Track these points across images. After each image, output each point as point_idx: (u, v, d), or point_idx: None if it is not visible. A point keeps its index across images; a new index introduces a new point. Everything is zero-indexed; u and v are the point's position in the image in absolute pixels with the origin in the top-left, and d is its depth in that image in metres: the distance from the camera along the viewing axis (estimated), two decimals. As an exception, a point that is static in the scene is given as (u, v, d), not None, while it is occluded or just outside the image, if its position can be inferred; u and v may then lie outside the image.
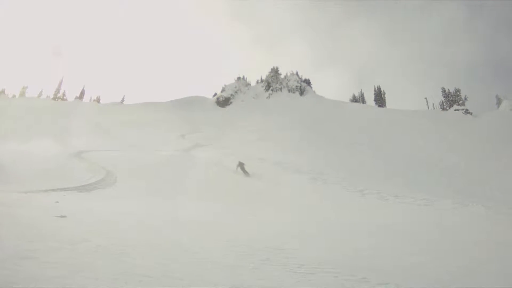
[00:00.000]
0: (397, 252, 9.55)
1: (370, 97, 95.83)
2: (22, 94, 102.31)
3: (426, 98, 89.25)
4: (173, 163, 32.73)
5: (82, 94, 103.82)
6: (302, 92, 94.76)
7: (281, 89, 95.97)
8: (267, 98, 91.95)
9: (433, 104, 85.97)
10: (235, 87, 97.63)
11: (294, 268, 7.73)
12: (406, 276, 7.27)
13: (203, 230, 12.52)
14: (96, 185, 23.89)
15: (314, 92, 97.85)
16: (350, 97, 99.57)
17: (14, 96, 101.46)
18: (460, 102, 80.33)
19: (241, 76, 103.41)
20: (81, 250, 8.14)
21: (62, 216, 12.22)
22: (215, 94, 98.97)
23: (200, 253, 9.08)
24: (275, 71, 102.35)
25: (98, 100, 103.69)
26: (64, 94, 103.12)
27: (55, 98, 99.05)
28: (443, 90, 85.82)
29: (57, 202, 16.17)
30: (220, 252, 9.28)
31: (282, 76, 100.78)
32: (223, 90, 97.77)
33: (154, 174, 27.75)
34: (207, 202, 20.90)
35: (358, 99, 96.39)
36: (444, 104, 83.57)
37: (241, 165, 30.95)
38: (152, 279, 6.67)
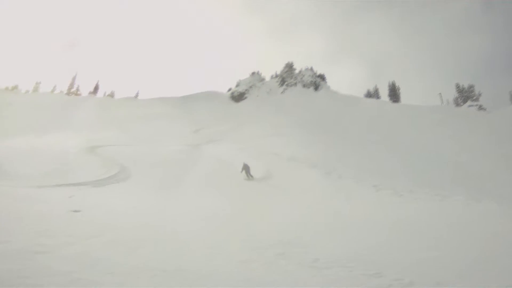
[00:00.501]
0: (411, 247, 9.52)
1: (384, 92, 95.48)
2: (36, 89, 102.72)
3: (440, 93, 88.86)
4: (186, 158, 32.79)
5: (96, 89, 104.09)
6: (316, 87, 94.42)
7: (295, 84, 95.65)
8: (281, 93, 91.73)
9: (447, 100, 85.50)
10: (250, 82, 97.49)
11: (309, 263, 7.75)
12: (420, 271, 7.26)
13: (217, 225, 12.65)
14: (110, 179, 24.01)
15: (329, 87, 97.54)
16: (364, 92, 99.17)
17: (27, 91, 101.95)
18: (474, 98, 79.85)
19: (256, 71, 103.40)
20: (95, 245, 8.22)
21: (76, 211, 12.32)
22: (230, 89, 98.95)
23: (213, 248, 9.12)
24: (289, 66, 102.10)
25: (112, 95, 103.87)
26: (78, 89, 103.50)
27: (68, 93, 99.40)
28: (457, 86, 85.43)
29: (71, 196, 16.38)
30: (234, 246, 9.38)
31: (297, 71, 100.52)
32: (237, 85, 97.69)
33: (167, 169, 27.92)
34: (220, 197, 20.94)
35: (373, 94, 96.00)
36: (458, 100, 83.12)
37: (245, 168, 29.34)
38: (166, 273, 6.78)
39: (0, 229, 8.37)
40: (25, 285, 5.32)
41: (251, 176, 28.62)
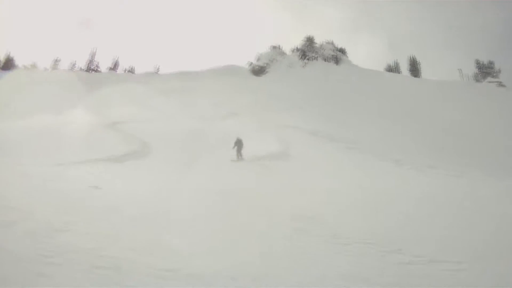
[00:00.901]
0: (431, 224, 9.44)
1: (404, 67, 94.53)
2: (54, 67, 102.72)
3: (460, 69, 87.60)
4: (206, 133, 32.76)
5: (115, 65, 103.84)
6: (337, 61, 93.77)
7: (316, 58, 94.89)
8: (302, 67, 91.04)
9: (467, 76, 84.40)
10: (270, 56, 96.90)
11: (328, 238, 7.70)
12: (439, 249, 7.19)
13: (236, 199, 12.62)
14: (129, 156, 24.08)
15: (350, 61, 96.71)
16: (385, 66, 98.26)
17: (45, 69, 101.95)
18: (493, 74, 78.81)
19: (276, 45, 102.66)
20: (116, 221, 8.27)
21: (96, 187, 12.42)
22: (250, 63, 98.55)
23: (232, 222, 9.18)
24: (310, 40, 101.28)
25: (132, 71, 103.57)
26: (97, 66, 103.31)
27: (88, 70, 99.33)
28: (477, 62, 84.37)
29: (91, 173, 16.53)
30: (251, 221, 9.42)
31: (317, 45, 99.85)
32: (258, 59, 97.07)
33: (187, 145, 27.89)
34: (241, 170, 21.05)
35: (393, 68, 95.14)
36: (478, 76, 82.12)
37: (238, 144, 26.00)
38: (182, 248, 6.80)
39: (20, 208, 8.43)
40: (44, 263, 5.37)
41: (241, 155, 25.66)
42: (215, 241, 7.47)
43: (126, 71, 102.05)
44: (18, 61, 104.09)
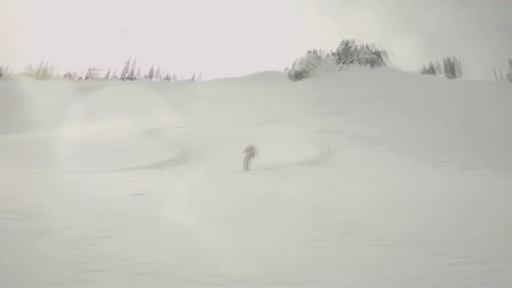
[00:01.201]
0: (472, 225, 9.39)
1: (440, 69, 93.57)
2: (94, 75, 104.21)
3: (494, 70, 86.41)
4: (247, 139, 32.83)
5: (152, 73, 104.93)
6: (373, 64, 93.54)
7: (352, 61, 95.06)
8: (338, 71, 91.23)
9: (500, 75, 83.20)
10: (307, 61, 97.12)
11: (372, 241, 7.81)
12: (481, 249, 7.23)
13: (279, 203, 12.70)
14: (169, 162, 24.65)
15: (385, 64, 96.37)
16: (420, 68, 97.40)
17: (80, 78, 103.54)
18: (528, 74, 77.87)
19: (312, 50, 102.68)
20: (158, 227, 8.42)
21: (136, 194, 12.64)
22: (287, 68, 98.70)
23: (276, 226, 9.25)
24: (345, 44, 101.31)
25: (168, 78, 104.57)
26: (133, 74, 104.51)
27: (123, 78, 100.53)
28: (510, 62, 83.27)
29: (131, 180, 16.75)
30: (297, 224, 9.48)
31: (353, 49, 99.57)
32: (296, 64, 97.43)
33: (229, 150, 27.73)
34: (279, 177, 20.97)
35: (428, 70, 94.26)
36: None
37: (249, 151, 24.06)
38: (227, 253, 6.90)
39: (60, 215, 8.65)
40: (85, 270, 5.55)
41: (248, 166, 23.58)
42: (263, 246, 7.58)
43: (163, 79, 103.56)
44: (55, 71, 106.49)
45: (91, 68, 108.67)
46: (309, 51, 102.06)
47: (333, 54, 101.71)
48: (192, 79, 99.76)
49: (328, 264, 6.49)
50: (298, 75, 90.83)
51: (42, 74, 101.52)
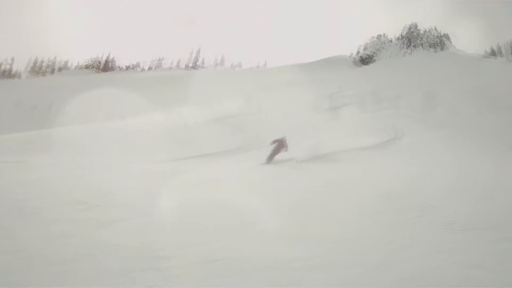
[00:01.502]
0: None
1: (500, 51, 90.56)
2: (158, 66, 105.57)
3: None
4: (315, 125, 32.58)
5: (220, 61, 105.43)
6: (437, 48, 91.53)
7: (416, 46, 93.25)
8: (402, 56, 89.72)
9: None
10: (371, 46, 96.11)
11: (447, 226, 7.82)
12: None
13: (352, 188, 12.68)
14: (240, 149, 25.32)
15: (454, 46, 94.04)
16: (482, 51, 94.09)
17: (150, 68, 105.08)
18: None
19: (376, 35, 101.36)
20: (232, 214, 8.69)
21: (210, 180, 13.30)
22: (351, 54, 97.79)
23: (358, 211, 9.39)
24: (409, 28, 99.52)
25: (238, 66, 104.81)
26: (203, 62, 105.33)
27: (187, 67, 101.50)
28: None
29: (202, 167, 17.41)
30: (372, 209, 9.52)
31: (416, 34, 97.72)
32: (365, 49, 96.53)
33: (299, 139, 27.16)
34: (350, 162, 21.10)
35: (491, 54, 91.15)
36: None
37: (279, 143, 21.88)
38: (303, 239, 7.10)
39: (130, 204, 9.21)
40: (159, 257, 5.92)
41: (270, 159, 21.16)
42: (339, 230, 7.79)
43: (232, 66, 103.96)
44: (120, 62, 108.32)
45: (156, 59, 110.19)
46: (373, 37, 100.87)
47: (397, 39, 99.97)
48: (257, 67, 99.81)
49: (404, 249, 6.61)
50: (363, 61, 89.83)
51: (106, 66, 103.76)
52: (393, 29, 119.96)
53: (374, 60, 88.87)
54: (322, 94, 51.48)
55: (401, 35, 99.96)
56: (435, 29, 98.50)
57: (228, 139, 28.22)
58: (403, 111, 37.57)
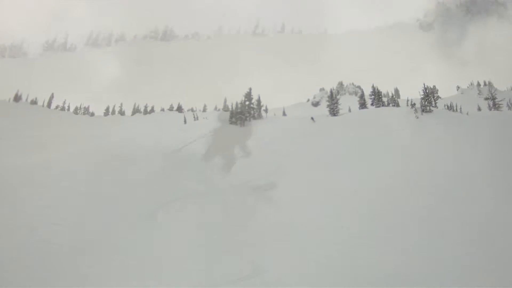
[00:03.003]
0: None
1: None
2: (218, 33, 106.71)
3: None
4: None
5: (282, 28, 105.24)
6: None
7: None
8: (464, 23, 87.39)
9: None
10: (438, 10, 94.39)
11: None
12: None
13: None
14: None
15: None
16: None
17: (208, 37, 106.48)
18: None
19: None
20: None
21: None
22: (418, 20, 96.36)
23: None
24: None
25: (299, 32, 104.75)
26: (258, 28, 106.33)
27: (253, 33, 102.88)
28: None
29: None
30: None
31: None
32: (426, 16, 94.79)
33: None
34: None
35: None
36: None
37: None
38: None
39: None
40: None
41: None
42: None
43: (293, 33, 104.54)
44: (179, 31, 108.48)
45: (219, 26, 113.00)
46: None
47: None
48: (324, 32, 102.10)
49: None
50: (429, 26, 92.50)
51: (166, 36, 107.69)
52: None
53: (434, 28, 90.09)
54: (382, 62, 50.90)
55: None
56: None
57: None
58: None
